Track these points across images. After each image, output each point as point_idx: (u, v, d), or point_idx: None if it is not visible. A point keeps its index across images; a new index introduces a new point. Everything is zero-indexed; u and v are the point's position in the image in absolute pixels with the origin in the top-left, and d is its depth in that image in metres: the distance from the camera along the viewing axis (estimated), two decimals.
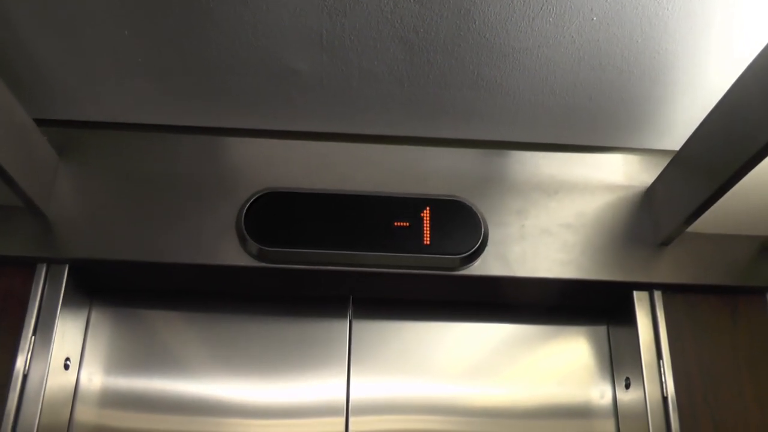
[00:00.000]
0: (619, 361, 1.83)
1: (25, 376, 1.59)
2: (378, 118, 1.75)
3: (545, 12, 1.40)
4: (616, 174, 1.83)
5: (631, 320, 1.75)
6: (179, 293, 1.86)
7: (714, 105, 1.49)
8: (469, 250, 1.71)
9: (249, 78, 1.61)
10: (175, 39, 1.49)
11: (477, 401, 1.81)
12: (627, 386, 1.76)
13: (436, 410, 1.79)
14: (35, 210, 1.65)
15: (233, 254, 1.68)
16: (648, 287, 1.76)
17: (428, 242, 1.70)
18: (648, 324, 1.74)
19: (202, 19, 1.43)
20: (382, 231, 1.71)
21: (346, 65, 1.56)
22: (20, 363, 1.59)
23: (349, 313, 1.87)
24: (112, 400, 1.75)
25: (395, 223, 1.72)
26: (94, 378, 1.76)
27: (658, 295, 1.76)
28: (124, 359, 1.79)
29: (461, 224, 1.73)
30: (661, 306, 1.75)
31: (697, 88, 1.60)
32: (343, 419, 1.75)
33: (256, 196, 1.72)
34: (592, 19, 1.41)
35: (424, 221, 1.72)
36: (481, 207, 1.76)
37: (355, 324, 1.85)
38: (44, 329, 1.64)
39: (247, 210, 1.70)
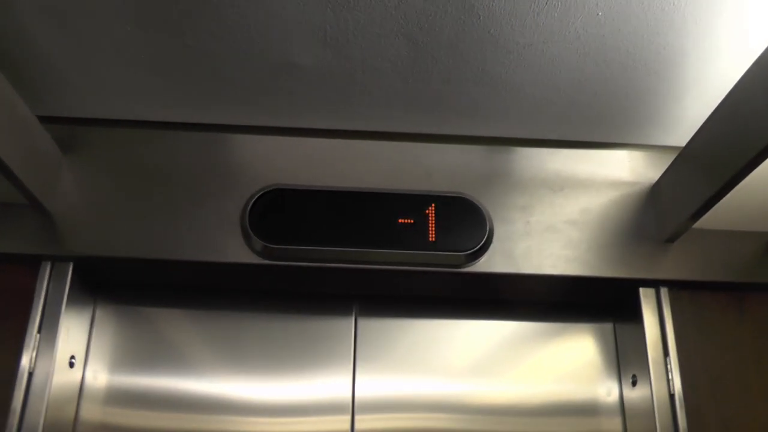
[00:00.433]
0: (626, 359, 1.82)
1: (30, 374, 1.59)
2: (382, 115, 1.74)
3: (550, 7, 1.39)
4: (622, 170, 1.83)
5: (637, 317, 1.75)
6: (183, 290, 1.86)
7: (720, 101, 1.48)
8: (475, 247, 1.70)
9: (253, 74, 1.60)
10: (179, 35, 1.49)
11: (483, 399, 1.81)
12: (634, 383, 1.76)
13: (442, 408, 1.79)
14: (39, 207, 1.65)
15: (237, 251, 1.68)
16: (654, 284, 1.76)
17: (433, 239, 1.70)
18: (654, 321, 1.73)
19: (206, 14, 1.43)
20: (387, 228, 1.70)
21: (350, 61, 1.55)
22: (25, 361, 1.60)
23: (355, 310, 1.86)
24: (117, 397, 1.75)
25: (400, 220, 1.71)
26: (99, 375, 1.77)
27: (664, 291, 1.75)
28: (129, 356, 1.79)
29: (466, 221, 1.72)
30: (668, 303, 1.74)
31: (703, 84, 1.59)
32: (349, 417, 1.75)
33: (261, 193, 1.72)
34: (598, 14, 1.40)
35: (429, 218, 1.71)
36: (486, 203, 1.76)
37: (360, 321, 1.85)
38: (49, 327, 1.64)
39: (251, 207, 1.70)
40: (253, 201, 1.71)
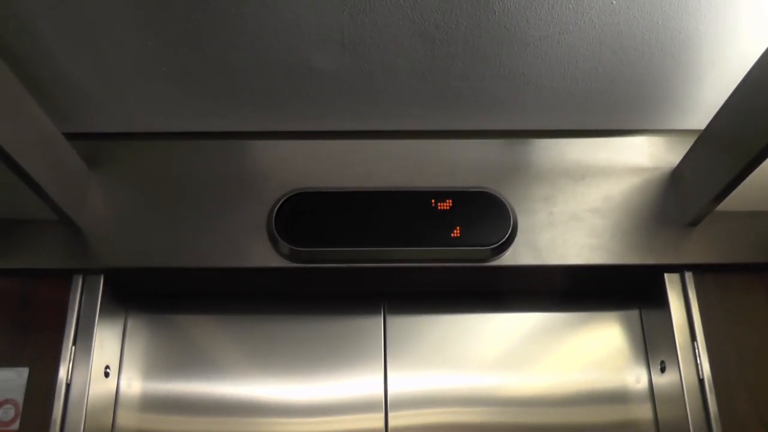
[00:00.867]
0: (654, 345, 1.83)
1: (68, 386, 1.63)
2: (401, 113, 1.75)
3: None
4: (642, 156, 1.83)
5: (663, 303, 1.75)
6: (213, 296, 1.89)
7: (738, 82, 1.48)
8: (499, 241, 1.71)
9: (272, 79, 1.62)
10: (198, 45, 1.51)
11: (514, 391, 1.82)
12: (662, 369, 1.76)
13: (474, 402, 1.80)
14: (68, 222, 1.68)
15: (265, 256, 1.70)
16: (679, 269, 1.76)
17: (458, 234, 1.71)
18: (680, 306, 1.74)
19: (223, 23, 1.45)
20: (412, 226, 1.71)
21: (368, 62, 1.56)
22: (63, 373, 1.64)
23: (383, 308, 1.88)
24: (152, 404, 1.78)
25: (424, 218, 1.72)
26: (133, 384, 1.80)
27: (689, 276, 1.75)
28: (162, 364, 1.82)
29: (490, 215, 1.73)
30: (693, 287, 1.74)
31: (720, 66, 1.59)
32: (382, 414, 1.76)
33: (286, 197, 1.74)
34: (612, 2, 1.41)
35: (453, 214, 1.72)
36: (509, 196, 1.76)
37: (389, 319, 1.87)
38: (84, 339, 1.67)
39: (277, 211, 1.72)
40: (278, 205, 1.72)
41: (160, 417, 1.78)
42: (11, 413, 1.61)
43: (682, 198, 1.76)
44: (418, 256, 1.71)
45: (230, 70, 1.59)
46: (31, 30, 1.45)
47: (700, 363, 1.67)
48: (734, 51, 1.54)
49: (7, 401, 1.62)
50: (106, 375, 1.73)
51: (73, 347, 1.66)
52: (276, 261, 1.70)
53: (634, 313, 1.90)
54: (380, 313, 1.87)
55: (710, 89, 1.66)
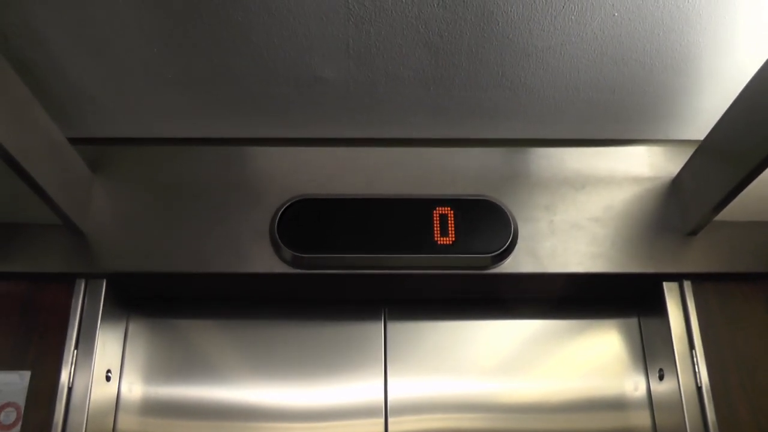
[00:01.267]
0: (652, 353, 1.84)
1: (70, 389, 1.64)
2: (405, 122, 1.76)
3: (567, 10, 1.41)
4: (642, 166, 1.84)
5: (662, 311, 1.77)
6: (214, 301, 1.90)
7: (737, 94, 1.49)
8: (500, 249, 1.72)
9: (277, 88, 1.63)
10: (204, 53, 1.52)
11: (513, 397, 1.83)
12: (661, 377, 1.77)
13: (474, 408, 1.81)
14: (72, 227, 1.69)
15: (267, 261, 1.71)
16: (678, 277, 1.77)
17: (459, 242, 1.72)
18: (679, 314, 1.75)
19: (230, 32, 1.46)
20: (414, 233, 1.72)
21: (373, 71, 1.58)
22: (65, 376, 1.64)
23: (384, 314, 1.89)
24: (153, 408, 1.79)
25: (425, 225, 1.73)
26: (134, 387, 1.80)
27: (687, 284, 1.77)
28: (163, 368, 1.83)
29: (491, 223, 1.74)
30: (692, 295, 1.76)
31: (720, 78, 1.60)
32: (382, 420, 1.77)
33: (289, 203, 1.75)
34: (614, 14, 1.43)
35: (454, 221, 1.73)
36: (510, 205, 1.78)
37: (389, 325, 1.88)
38: (86, 342, 1.68)
39: (280, 217, 1.73)
40: (281, 211, 1.73)
41: (161, 421, 1.78)
42: (13, 416, 1.62)
43: (681, 207, 1.78)
44: (419, 263, 1.72)
45: (236, 78, 1.60)
46: (39, 37, 1.46)
47: (699, 371, 1.69)
48: (733, 63, 1.55)
49: (9, 404, 1.63)
50: (108, 379, 1.74)
51: (75, 351, 1.67)
52: (278, 267, 1.71)
53: (633, 321, 1.91)
54: (381, 319, 1.88)
55: (709, 100, 1.68)
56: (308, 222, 1.73)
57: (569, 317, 1.91)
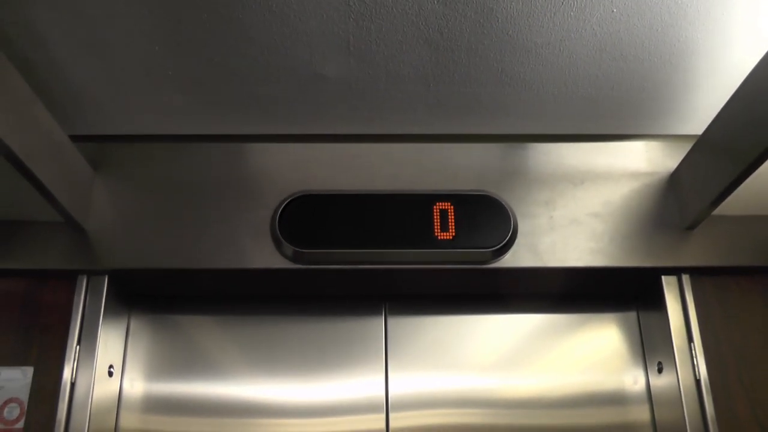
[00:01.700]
0: (651, 347, 1.85)
1: (72, 385, 1.64)
2: (405, 118, 1.77)
3: (566, 6, 1.42)
4: (641, 161, 1.85)
5: (660, 305, 1.78)
6: (216, 298, 1.90)
7: (735, 89, 1.50)
8: (500, 243, 1.73)
9: (278, 85, 1.64)
10: (205, 50, 1.52)
11: (513, 392, 1.84)
12: (660, 371, 1.78)
13: (474, 403, 1.82)
14: (74, 224, 1.70)
15: (269, 257, 1.72)
16: (676, 271, 1.78)
17: (459, 237, 1.73)
18: (677, 308, 1.76)
19: (231, 29, 1.46)
20: (414, 228, 1.73)
21: (373, 68, 1.58)
22: (67, 372, 1.65)
23: (384, 310, 1.90)
24: (155, 404, 1.80)
25: (426, 220, 1.74)
26: (135, 384, 1.81)
27: (686, 278, 1.78)
28: (164, 364, 1.84)
29: (490, 218, 1.75)
30: (690, 289, 1.77)
31: (718, 73, 1.61)
32: (383, 415, 1.78)
33: (290, 199, 1.75)
34: (613, 11, 1.43)
35: (455, 217, 1.74)
36: (510, 200, 1.79)
37: (390, 320, 1.89)
38: (88, 339, 1.69)
39: (281, 213, 1.74)
40: (282, 207, 1.74)
41: (163, 417, 1.79)
42: (16, 412, 1.63)
43: (679, 202, 1.79)
44: (420, 258, 1.72)
45: (236, 75, 1.60)
46: (40, 36, 1.46)
47: (697, 365, 1.70)
48: (731, 59, 1.56)
49: (12, 400, 1.63)
50: (110, 375, 1.75)
51: (78, 347, 1.67)
52: (279, 262, 1.72)
53: (632, 315, 1.92)
54: (381, 315, 1.89)
55: (707, 96, 1.68)
56: (309, 218, 1.73)
57: (569, 312, 1.92)
